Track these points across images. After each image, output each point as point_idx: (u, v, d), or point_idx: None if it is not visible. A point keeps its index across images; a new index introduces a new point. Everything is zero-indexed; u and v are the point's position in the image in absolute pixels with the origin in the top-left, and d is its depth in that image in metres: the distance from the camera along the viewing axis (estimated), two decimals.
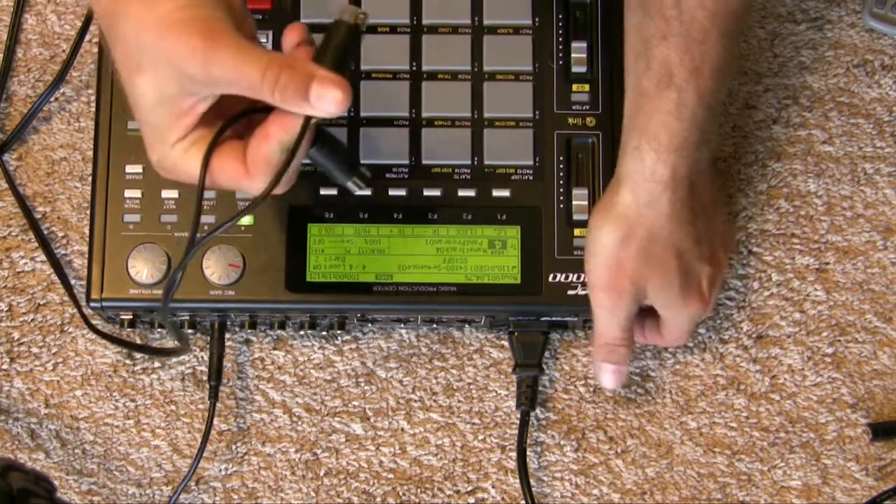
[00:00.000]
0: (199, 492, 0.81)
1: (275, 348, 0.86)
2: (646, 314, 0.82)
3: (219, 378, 0.83)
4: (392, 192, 0.84)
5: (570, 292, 0.82)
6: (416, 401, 0.85)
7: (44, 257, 0.89)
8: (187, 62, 0.64)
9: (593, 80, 0.86)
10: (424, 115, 0.85)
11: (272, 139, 0.66)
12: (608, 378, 0.82)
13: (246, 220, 0.82)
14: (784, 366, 0.87)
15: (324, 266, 0.82)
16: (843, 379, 0.86)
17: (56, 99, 0.95)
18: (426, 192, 0.84)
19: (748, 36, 1.02)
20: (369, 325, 0.85)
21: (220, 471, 0.82)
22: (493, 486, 0.82)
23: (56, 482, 0.75)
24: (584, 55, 0.86)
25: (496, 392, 0.85)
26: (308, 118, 0.65)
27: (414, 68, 0.86)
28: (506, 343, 0.87)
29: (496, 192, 0.84)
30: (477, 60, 0.86)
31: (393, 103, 0.86)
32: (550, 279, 0.82)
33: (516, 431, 0.84)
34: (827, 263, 0.91)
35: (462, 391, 0.85)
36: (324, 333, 0.86)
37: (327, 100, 0.64)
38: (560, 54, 0.86)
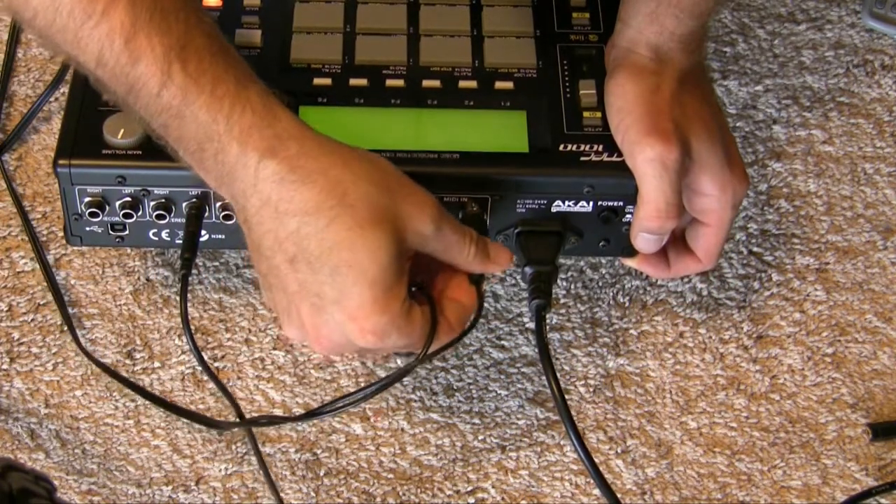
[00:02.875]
0: (199, 492, 0.81)
1: (274, 348, 0.86)
2: (670, 243, 0.82)
3: (193, 252, 0.80)
4: (389, 83, 0.82)
5: (584, 158, 0.79)
6: (416, 401, 0.85)
7: (43, 257, 0.89)
8: (425, 219, 0.70)
9: (593, 11, 0.87)
10: (423, 28, 0.86)
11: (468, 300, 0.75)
12: (648, 245, 0.80)
13: None
14: (784, 366, 0.87)
15: None
16: (843, 379, 0.86)
17: (56, 99, 0.96)
18: (425, 84, 0.83)
19: (748, 36, 1.02)
20: None
21: (220, 471, 0.81)
22: (493, 486, 0.82)
23: (56, 482, 0.75)
24: None
25: (496, 392, 0.85)
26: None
27: (411, 0, 0.87)
28: (506, 343, 0.87)
29: (499, 84, 0.83)
30: None
31: (390, 24, 0.86)
32: (561, 148, 0.80)
33: (516, 431, 0.84)
34: (827, 263, 0.91)
35: (462, 391, 0.85)
36: None
37: (504, 257, 0.75)
38: None
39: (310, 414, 0.81)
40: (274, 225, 0.69)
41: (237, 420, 0.81)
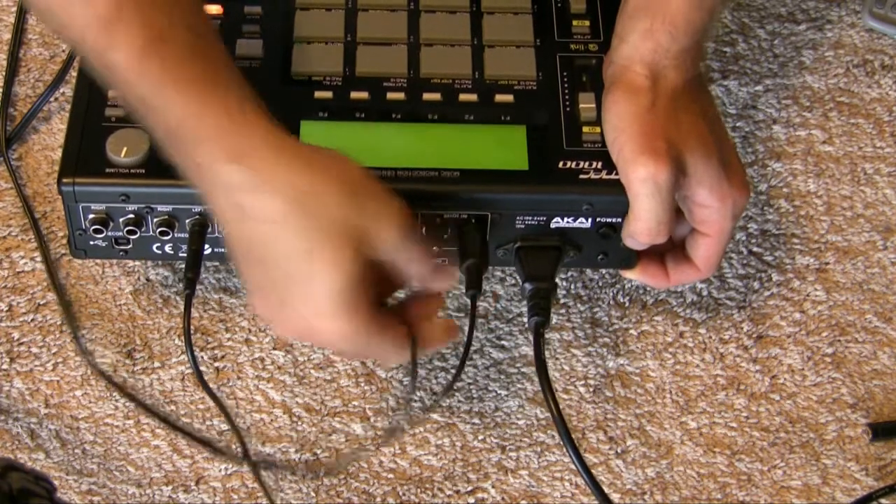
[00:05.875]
0: (199, 492, 0.81)
1: (275, 348, 0.86)
2: (669, 253, 0.82)
3: (196, 271, 0.80)
4: (390, 97, 0.83)
5: (582, 176, 0.79)
6: (415, 400, 0.85)
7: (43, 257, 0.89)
8: (392, 228, 0.70)
9: (593, 18, 0.87)
10: (423, 37, 0.86)
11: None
12: (637, 245, 0.80)
13: None
14: (784, 366, 0.87)
15: None
16: (843, 379, 0.86)
17: (56, 99, 0.96)
18: (426, 97, 0.83)
19: (748, 36, 1.02)
20: None
21: (220, 471, 0.82)
22: (493, 486, 0.82)
23: (56, 482, 0.75)
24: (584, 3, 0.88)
25: (496, 392, 0.85)
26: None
27: (412, 7, 0.87)
28: (506, 343, 0.87)
29: (499, 97, 0.83)
30: (476, 3, 0.88)
31: (391, 33, 0.86)
32: (560, 165, 0.80)
33: (516, 431, 0.84)
34: (827, 263, 0.91)
35: (462, 391, 0.85)
36: None
37: (448, 279, 0.77)
38: (558, 2, 0.88)
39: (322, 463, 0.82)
40: (238, 226, 0.70)
41: (243, 457, 0.81)
